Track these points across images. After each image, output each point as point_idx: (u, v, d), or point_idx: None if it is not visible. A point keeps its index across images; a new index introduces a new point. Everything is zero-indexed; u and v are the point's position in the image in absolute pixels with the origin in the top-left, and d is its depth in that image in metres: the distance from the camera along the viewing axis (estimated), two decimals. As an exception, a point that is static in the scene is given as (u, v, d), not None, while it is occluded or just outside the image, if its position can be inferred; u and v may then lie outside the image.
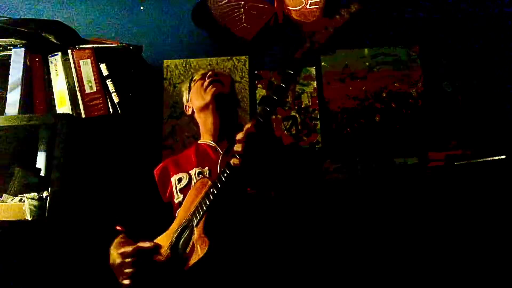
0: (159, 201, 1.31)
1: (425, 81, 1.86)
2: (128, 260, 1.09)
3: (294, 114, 1.91)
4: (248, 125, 0.98)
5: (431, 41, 1.89)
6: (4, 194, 1.50)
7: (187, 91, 1.47)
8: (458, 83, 1.83)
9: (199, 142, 1.42)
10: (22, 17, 1.83)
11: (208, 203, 1.05)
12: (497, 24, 1.85)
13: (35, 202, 1.40)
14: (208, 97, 1.35)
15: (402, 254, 1.56)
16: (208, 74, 1.39)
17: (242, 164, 0.97)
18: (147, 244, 1.11)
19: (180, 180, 1.28)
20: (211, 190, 1.05)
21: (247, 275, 1.04)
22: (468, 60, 1.85)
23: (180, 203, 1.22)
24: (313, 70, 1.94)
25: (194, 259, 1.03)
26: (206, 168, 1.28)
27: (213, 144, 1.35)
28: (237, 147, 0.97)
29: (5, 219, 1.38)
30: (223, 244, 1.03)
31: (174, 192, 1.27)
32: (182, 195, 1.24)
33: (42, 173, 1.59)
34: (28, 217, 1.38)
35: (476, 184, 1.56)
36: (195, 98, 1.41)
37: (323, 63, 1.93)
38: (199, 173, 1.27)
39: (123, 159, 1.68)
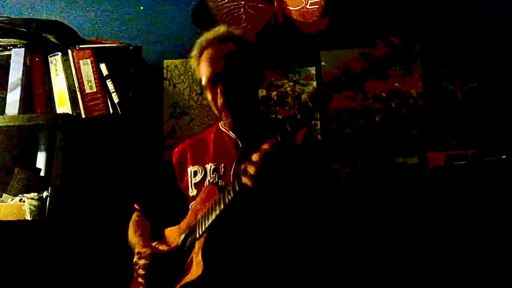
0: (175, 187, 1.26)
1: (425, 81, 1.86)
2: (142, 262, 1.10)
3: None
4: (265, 146, 0.88)
5: (431, 41, 1.88)
6: (4, 194, 1.50)
7: (197, 67, 1.21)
8: (458, 83, 1.83)
9: (219, 126, 1.27)
10: (22, 17, 1.83)
11: (209, 221, 0.99)
12: (497, 24, 1.85)
13: (35, 202, 1.40)
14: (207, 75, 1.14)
15: (402, 254, 1.56)
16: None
17: (255, 186, 0.88)
18: (161, 248, 1.12)
19: (195, 173, 1.20)
20: (215, 206, 0.98)
21: None
22: (468, 60, 1.84)
23: (194, 198, 1.18)
24: (313, 70, 1.94)
25: (186, 279, 1.00)
26: (222, 165, 1.17)
27: (233, 136, 1.20)
28: (250, 169, 0.88)
29: (5, 219, 1.38)
30: (217, 270, 0.98)
31: (189, 185, 1.21)
32: (196, 190, 1.18)
33: (42, 173, 1.59)
34: (28, 217, 1.38)
35: (476, 184, 1.56)
36: (201, 72, 1.19)
37: (323, 63, 1.93)
38: (214, 170, 1.17)
39: (123, 159, 1.68)
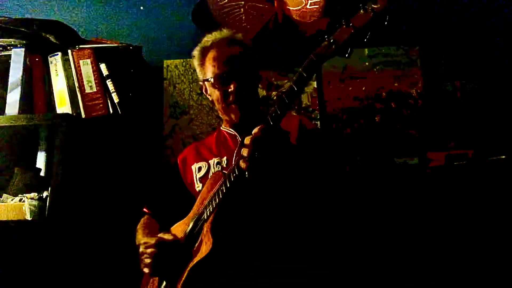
0: (182, 188, 1.33)
1: (425, 81, 1.86)
2: (149, 250, 1.11)
3: (294, 114, 1.90)
4: (255, 130, 0.95)
5: (431, 41, 1.88)
6: (4, 194, 1.50)
7: (200, 67, 1.30)
8: (458, 83, 1.83)
9: (221, 128, 1.38)
10: (22, 17, 1.83)
11: (217, 201, 1.05)
12: (497, 24, 1.85)
13: (35, 202, 1.40)
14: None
15: (402, 254, 1.56)
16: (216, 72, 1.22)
17: (248, 168, 0.94)
18: (167, 237, 1.15)
19: (199, 169, 1.29)
20: (221, 187, 1.05)
21: (249, 276, 1.04)
22: (468, 60, 1.85)
23: (200, 192, 1.24)
24: (313, 70, 1.94)
25: (198, 257, 1.04)
26: (224, 158, 1.26)
27: (232, 132, 1.31)
28: (244, 151, 0.95)
29: (5, 219, 1.38)
30: (226, 244, 1.03)
31: (195, 180, 1.28)
32: (201, 184, 1.25)
33: (42, 173, 1.59)
34: (28, 217, 1.38)
35: (476, 184, 1.56)
36: (207, 71, 1.26)
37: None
38: (218, 163, 1.26)
39: (123, 159, 1.68)
